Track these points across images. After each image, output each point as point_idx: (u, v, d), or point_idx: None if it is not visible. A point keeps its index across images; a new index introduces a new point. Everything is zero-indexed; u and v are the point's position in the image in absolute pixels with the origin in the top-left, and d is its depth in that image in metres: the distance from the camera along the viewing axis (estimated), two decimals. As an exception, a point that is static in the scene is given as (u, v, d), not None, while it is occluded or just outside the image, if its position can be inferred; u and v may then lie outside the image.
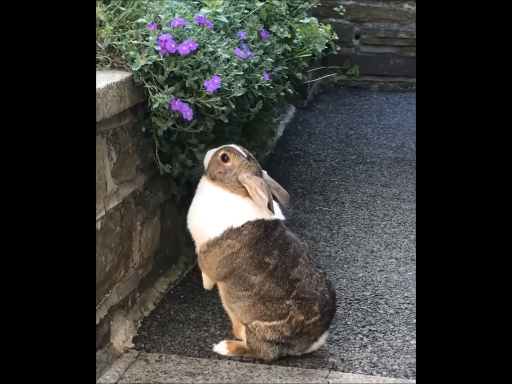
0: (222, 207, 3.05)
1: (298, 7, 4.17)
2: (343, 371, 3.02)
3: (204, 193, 3.11)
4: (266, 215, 3.00)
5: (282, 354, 3.04)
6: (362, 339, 3.26)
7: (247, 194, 3.01)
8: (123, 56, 3.06)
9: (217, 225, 3.03)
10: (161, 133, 3.09)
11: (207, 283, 3.23)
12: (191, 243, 3.26)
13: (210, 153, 3.14)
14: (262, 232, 3.01)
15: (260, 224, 3.01)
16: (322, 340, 3.09)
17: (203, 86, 3.01)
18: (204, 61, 3.04)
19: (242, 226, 3.00)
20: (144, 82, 3.02)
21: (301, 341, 3.02)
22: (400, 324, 3.38)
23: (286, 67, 3.78)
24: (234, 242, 3.00)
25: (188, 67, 3.01)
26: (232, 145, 3.12)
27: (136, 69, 2.98)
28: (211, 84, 2.99)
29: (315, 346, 3.08)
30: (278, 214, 3.08)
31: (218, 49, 3.14)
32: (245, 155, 3.07)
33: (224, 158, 3.05)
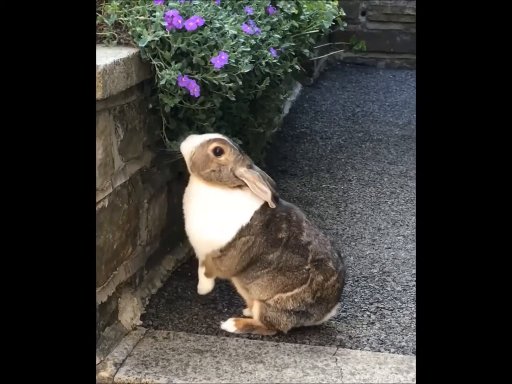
0: (228, 210, 2.95)
1: (305, -17, 4.13)
2: (351, 348, 3.02)
3: (203, 199, 2.98)
4: (264, 199, 2.95)
5: (298, 324, 3.05)
6: (369, 316, 3.26)
7: (242, 186, 2.95)
8: (129, 32, 3.04)
9: (228, 230, 2.96)
10: (168, 109, 3.07)
11: (205, 286, 3.14)
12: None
13: (193, 142, 2.94)
14: (268, 215, 2.99)
15: (264, 209, 2.98)
16: (334, 311, 3.11)
17: (210, 63, 2.99)
18: (211, 37, 3.02)
19: (251, 219, 2.96)
20: (151, 58, 2.99)
21: (320, 309, 3.04)
22: (407, 301, 3.38)
23: (293, 44, 3.75)
24: (248, 238, 2.97)
25: (195, 43, 2.99)
26: (222, 136, 2.98)
27: (143, 45, 2.96)
28: (218, 60, 2.97)
29: (327, 317, 3.10)
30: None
31: (225, 25, 3.11)
32: (237, 147, 2.97)
33: (217, 152, 2.91)
